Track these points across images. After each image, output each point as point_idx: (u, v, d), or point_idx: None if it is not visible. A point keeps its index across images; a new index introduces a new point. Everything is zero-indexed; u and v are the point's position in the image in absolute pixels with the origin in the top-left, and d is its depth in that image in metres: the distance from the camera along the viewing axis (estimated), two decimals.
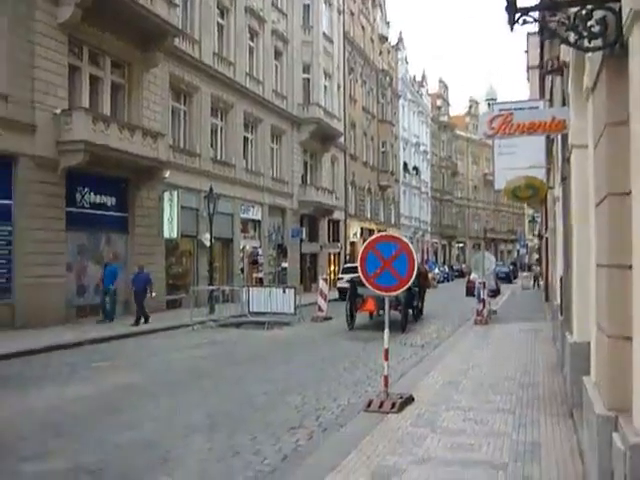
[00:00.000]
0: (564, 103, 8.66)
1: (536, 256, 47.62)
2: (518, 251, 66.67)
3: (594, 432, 3.92)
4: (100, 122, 18.07)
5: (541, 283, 36.40)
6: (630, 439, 3.18)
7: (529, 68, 27.26)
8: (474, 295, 19.47)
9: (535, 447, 5.86)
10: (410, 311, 18.33)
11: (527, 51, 27.07)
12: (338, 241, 41.29)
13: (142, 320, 17.80)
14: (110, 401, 8.41)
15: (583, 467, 5.08)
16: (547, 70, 11.32)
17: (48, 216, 17.11)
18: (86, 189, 19.19)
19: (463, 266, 65.40)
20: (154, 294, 18.68)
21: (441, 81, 79.28)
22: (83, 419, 7.40)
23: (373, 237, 7.91)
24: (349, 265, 33.26)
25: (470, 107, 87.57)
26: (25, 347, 13.07)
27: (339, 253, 41.50)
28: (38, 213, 16.76)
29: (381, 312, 17.35)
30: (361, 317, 18.32)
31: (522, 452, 5.70)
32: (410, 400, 7.65)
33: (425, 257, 60.03)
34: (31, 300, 16.21)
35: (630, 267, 3.47)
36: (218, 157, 27.11)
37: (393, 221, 54.14)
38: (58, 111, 17.41)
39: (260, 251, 30.36)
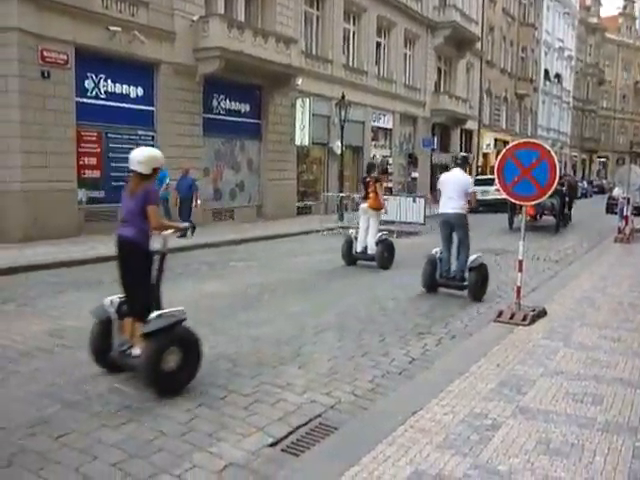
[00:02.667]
0: None
1: None
2: None
3: None
4: (235, 29, 18.22)
5: None
6: None
7: None
8: (615, 213, 18.39)
9: None
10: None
11: None
12: (470, 152, 40.03)
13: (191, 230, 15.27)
14: (245, 298, 8.85)
15: None
16: None
17: (187, 122, 17.80)
18: (221, 96, 19.69)
19: (604, 182, 61.59)
20: (199, 202, 16.11)
21: None
22: (220, 313, 7.85)
23: (512, 144, 7.54)
24: (481, 177, 32.30)
25: (625, 6, 79.50)
26: (169, 245, 13.96)
27: (471, 164, 40.32)
28: (178, 119, 17.47)
29: (538, 217, 19.71)
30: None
31: None
32: (542, 313, 7.46)
33: (563, 171, 56.99)
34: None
35: None
36: (350, 64, 26.69)
37: (529, 132, 51.47)
38: (195, 18, 17.72)
39: (390, 160, 30.09)
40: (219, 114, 19.67)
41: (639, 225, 19.78)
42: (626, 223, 16.51)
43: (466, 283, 9.04)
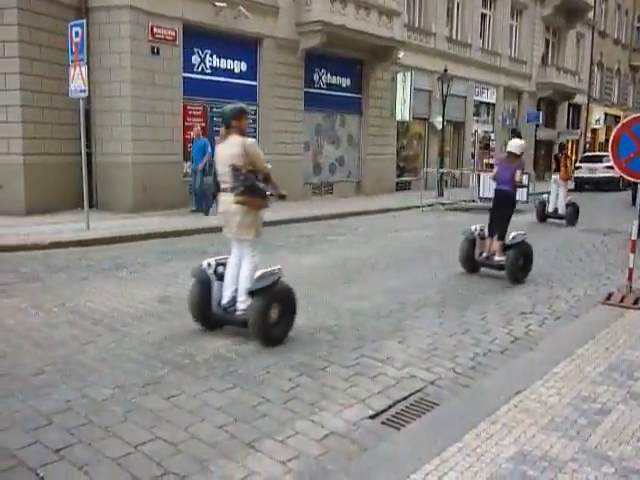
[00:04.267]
0: None
1: None
2: None
3: None
4: (337, 2, 18.15)
5: None
6: None
7: None
8: None
9: None
10: None
11: None
12: (578, 128, 38.27)
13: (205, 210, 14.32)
14: (343, 272, 8.91)
15: None
16: None
17: (289, 96, 17.98)
18: (322, 70, 19.73)
19: None
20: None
21: None
22: (320, 286, 7.94)
23: (629, 118, 7.13)
24: (589, 154, 30.91)
25: None
26: (269, 218, 14.24)
27: (578, 141, 38.58)
28: (280, 93, 17.68)
29: None
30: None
31: None
32: None
33: None
34: (274, 176, 17.42)
35: None
36: (453, 36, 26.03)
37: None
38: None
39: (492, 136, 29.22)
40: (320, 88, 19.73)
41: None
42: None
43: None
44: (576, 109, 38.18)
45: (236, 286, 5.71)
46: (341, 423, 4.03)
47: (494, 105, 29.52)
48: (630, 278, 7.07)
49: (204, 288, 5.77)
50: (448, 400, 4.37)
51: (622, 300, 6.87)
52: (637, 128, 6.80)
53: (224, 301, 5.74)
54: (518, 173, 8.64)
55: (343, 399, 4.40)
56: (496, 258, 8.72)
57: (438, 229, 13.98)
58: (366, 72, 21.15)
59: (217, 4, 15.49)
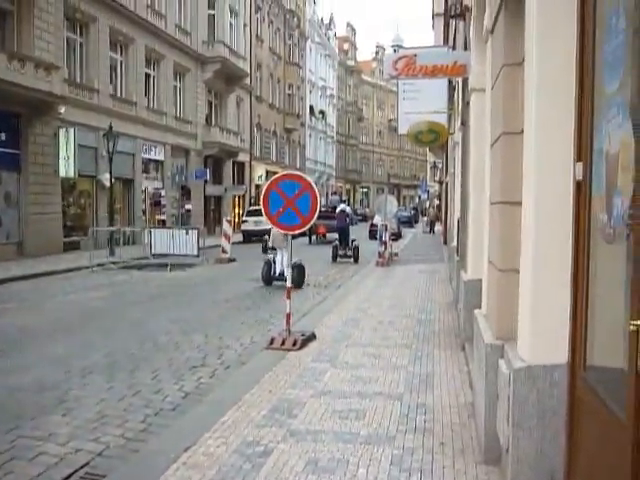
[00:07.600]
0: (466, 48, 8.82)
1: (437, 202, 48.66)
2: (419, 196, 68.34)
3: (483, 360, 4.13)
4: None
5: (436, 228, 37.79)
6: (514, 364, 3.38)
7: (434, 16, 27.72)
8: (376, 238, 19.92)
9: (429, 378, 6.14)
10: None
11: None
12: (243, 183, 40.92)
13: None
14: (3, 343, 8.09)
15: (472, 394, 5.38)
16: (451, 15, 11.45)
17: None
18: None
19: (366, 210, 66.52)
20: None
21: (349, 25, 78.98)
22: None
23: (276, 176, 7.86)
24: (254, 208, 33.11)
25: (377, 52, 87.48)
26: None
27: (244, 195, 41.19)
28: None
29: (327, 235, 27.58)
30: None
31: (417, 383, 5.96)
32: (312, 337, 7.80)
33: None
34: None
35: (519, 204, 3.62)
36: (118, 94, 25.95)
37: (298, 164, 54.04)
38: None
39: (163, 192, 29.64)
40: None
41: (396, 250, 21.69)
42: (385, 248, 17.95)
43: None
44: (241, 166, 40.82)
45: (282, 266, 12.72)
46: None
47: (163, 162, 30.03)
48: (288, 322, 7.68)
49: (269, 267, 13.69)
50: (116, 470, 4.19)
51: (283, 343, 7.41)
52: (283, 185, 7.52)
53: (277, 272, 13.45)
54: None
55: None
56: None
57: (109, 290, 13.57)
58: (25, 127, 19.84)
59: None
